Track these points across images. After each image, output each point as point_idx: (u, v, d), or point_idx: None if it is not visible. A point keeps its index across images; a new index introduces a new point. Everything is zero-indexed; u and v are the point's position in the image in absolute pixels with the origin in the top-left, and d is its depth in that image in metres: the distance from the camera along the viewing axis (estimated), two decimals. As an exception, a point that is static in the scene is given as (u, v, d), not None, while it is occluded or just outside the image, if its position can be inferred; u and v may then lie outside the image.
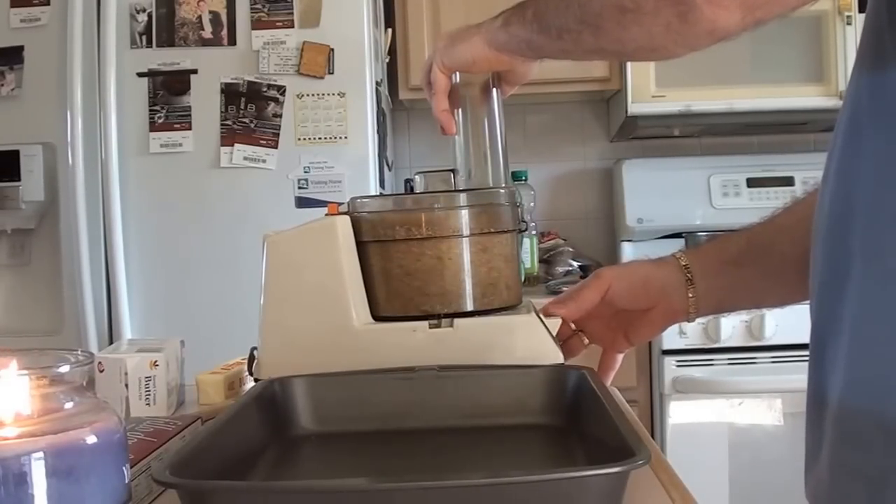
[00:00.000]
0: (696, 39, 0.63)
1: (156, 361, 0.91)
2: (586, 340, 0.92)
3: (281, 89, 1.97)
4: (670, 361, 2.02)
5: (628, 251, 2.49)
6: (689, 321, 0.88)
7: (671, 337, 2.03)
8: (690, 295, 0.86)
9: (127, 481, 0.50)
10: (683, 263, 0.87)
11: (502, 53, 0.83)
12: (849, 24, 2.19)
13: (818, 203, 0.65)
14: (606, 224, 2.69)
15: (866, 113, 0.59)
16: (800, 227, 0.76)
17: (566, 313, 0.88)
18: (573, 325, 0.91)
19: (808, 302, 0.67)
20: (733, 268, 0.86)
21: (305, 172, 1.97)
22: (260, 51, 1.96)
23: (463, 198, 0.86)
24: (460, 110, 0.93)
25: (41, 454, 0.45)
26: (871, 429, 0.56)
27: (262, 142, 1.97)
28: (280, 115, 1.97)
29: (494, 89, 0.93)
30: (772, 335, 1.97)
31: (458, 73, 0.91)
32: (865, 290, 0.58)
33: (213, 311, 1.94)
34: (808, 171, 2.39)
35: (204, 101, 1.97)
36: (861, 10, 2.18)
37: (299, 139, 1.97)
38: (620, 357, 0.93)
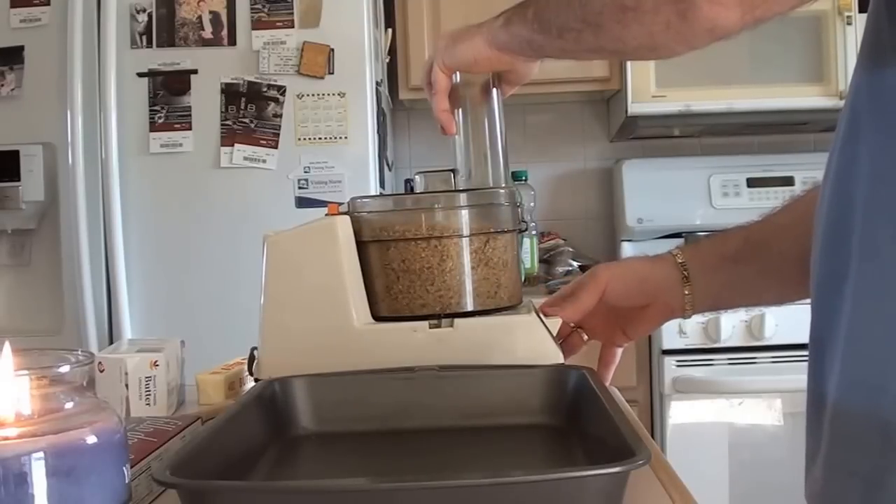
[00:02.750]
0: (696, 38, 0.64)
1: (156, 361, 0.91)
2: (585, 337, 0.92)
3: (281, 89, 1.97)
4: (670, 361, 2.02)
5: (628, 251, 2.49)
6: (685, 318, 0.89)
7: (671, 337, 2.03)
8: (687, 292, 0.86)
9: (127, 481, 0.50)
10: (680, 261, 0.87)
11: (503, 53, 0.83)
12: (849, 24, 2.19)
13: (818, 202, 0.65)
14: (606, 224, 2.69)
15: (865, 112, 0.59)
16: (798, 226, 0.76)
17: (565, 316, 0.88)
18: (571, 323, 0.91)
19: (805, 301, 0.67)
20: (730, 265, 0.86)
21: (305, 172, 1.97)
22: (260, 51, 1.96)
23: (463, 198, 0.86)
24: (460, 110, 0.93)
25: (41, 454, 0.45)
26: (866, 429, 0.56)
27: (262, 142, 1.97)
28: (280, 115, 1.97)
29: (495, 89, 0.93)
30: (772, 335, 1.97)
31: (458, 73, 0.91)
32: (862, 289, 0.58)
33: (213, 311, 1.94)
34: (808, 171, 2.39)
35: (204, 101, 1.97)
36: (861, 10, 2.18)
37: (299, 139, 1.97)
38: (620, 351, 0.93)
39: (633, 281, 0.88)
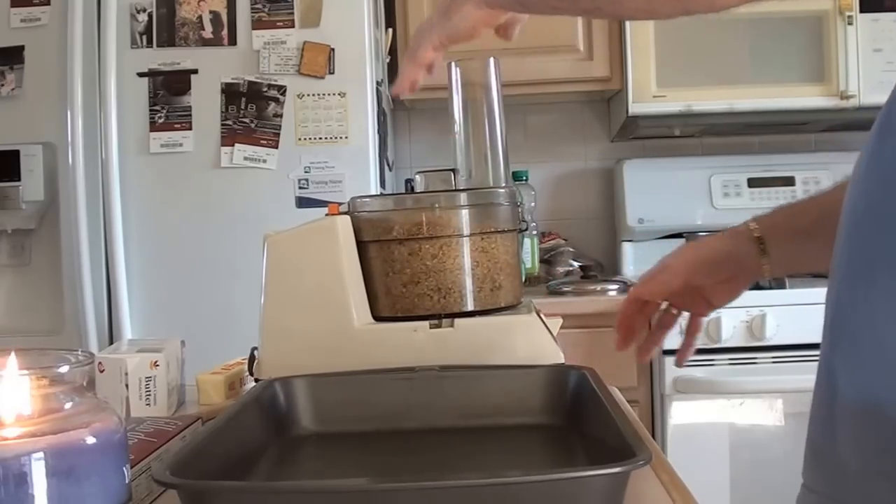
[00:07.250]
0: (694, 2, 0.63)
1: (156, 361, 0.91)
2: (675, 311, 0.98)
3: (281, 89, 1.97)
4: (671, 361, 2.02)
5: (629, 251, 2.49)
6: (765, 278, 0.94)
7: (671, 337, 2.01)
8: (764, 263, 0.91)
9: (127, 481, 0.50)
10: (756, 235, 0.91)
11: (494, 8, 0.83)
12: (850, 24, 2.19)
13: (847, 196, 0.64)
14: (607, 224, 2.69)
15: None
16: None
17: (649, 292, 0.95)
18: (660, 300, 0.98)
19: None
20: (805, 239, 0.89)
21: (306, 172, 1.97)
22: (260, 51, 1.96)
23: (463, 198, 0.86)
24: (461, 110, 0.93)
25: (41, 454, 0.45)
26: None
27: (262, 142, 1.97)
28: (280, 115, 1.97)
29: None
30: (772, 335, 1.97)
31: (458, 71, 0.91)
32: (892, 291, 0.57)
33: (213, 311, 1.94)
34: (808, 171, 2.38)
35: (204, 101, 1.97)
36: (862, 10, 2.18)
37: (300, 139, 1.97)
38: (705, 320, 1.01)
39: (719, 258, 0.93)
